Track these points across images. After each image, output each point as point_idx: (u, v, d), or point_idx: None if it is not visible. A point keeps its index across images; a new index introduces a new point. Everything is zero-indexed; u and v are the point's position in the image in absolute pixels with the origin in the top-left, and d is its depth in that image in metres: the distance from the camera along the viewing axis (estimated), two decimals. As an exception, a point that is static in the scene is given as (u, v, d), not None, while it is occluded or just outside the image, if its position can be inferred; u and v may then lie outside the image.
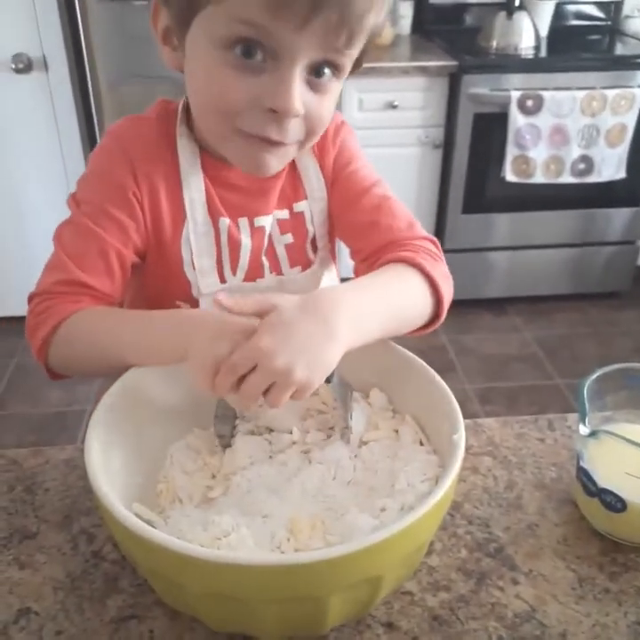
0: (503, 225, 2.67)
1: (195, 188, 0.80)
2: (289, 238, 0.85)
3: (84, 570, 0.68)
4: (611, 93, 2.38)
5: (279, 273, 0.86)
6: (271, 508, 0.63)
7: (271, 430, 0.73)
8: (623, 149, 2.49)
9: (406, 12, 2.79)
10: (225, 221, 0.81)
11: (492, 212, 2.64)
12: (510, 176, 2.48)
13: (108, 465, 0.61)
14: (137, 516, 0.56)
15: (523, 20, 2.52)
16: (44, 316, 0.74)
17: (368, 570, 0.54)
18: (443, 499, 0.56)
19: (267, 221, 0.84)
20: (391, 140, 2.50)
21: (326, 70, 0.68)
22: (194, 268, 0.81)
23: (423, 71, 2.42)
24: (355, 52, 0.69)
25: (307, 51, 0.64)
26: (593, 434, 0.68)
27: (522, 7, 2.54)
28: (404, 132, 2.52)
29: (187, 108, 0.79)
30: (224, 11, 0.63)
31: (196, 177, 0.80)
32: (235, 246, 0.82)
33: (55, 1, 2.18)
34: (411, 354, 0.73)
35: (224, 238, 0.82)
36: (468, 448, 0.83)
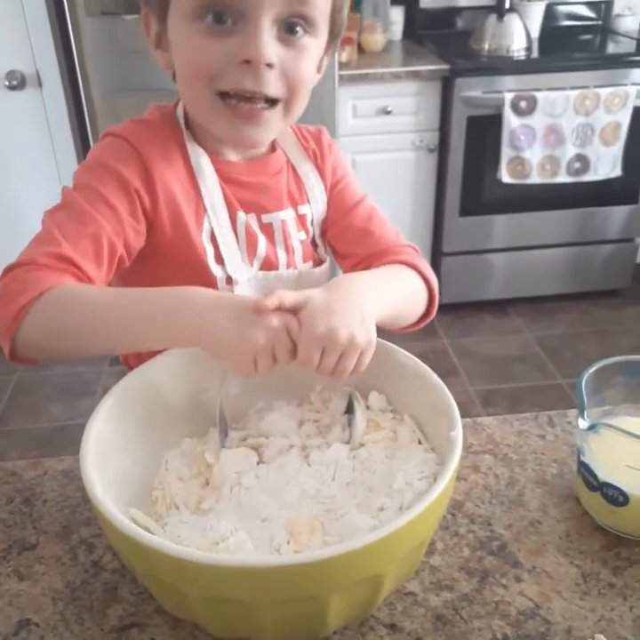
0: (501, 226, 2.67)
1: (211, 184, 0.82)
2: (303, 235, 0.90)
3: (83, 580, 0.68)
4: (604, 92, 2.38)
5: (294, 267, 0.89)
6: (270, 512, 0.63)
7: (257, 447, 0.72)
8: (618, 147, 2.49)
9: (397, 17, 2.80)
10: (241, 214, 0.85)
11: (489, 213, 2.64)
12: (506, 177, 2.48)
13: (103, 473, 0.60)
14: (134, 522, 0.55)
15: (514, 21, 2.53)
16: (26, 285, 0.68)
17: (367, 569, 0.53)
18: (441, 495, 0.55)
19: (274, 218, 0.87)
20: (386, 146, 2.51)
21: (298, 28, 0.74)
22: (217, 263, 0.83)
23: (416, 76, 2.42)
24: (322, 5, 0.74)
25: (270, 6, 0.70)
26: (592, 427, 0.67)
27: (512, 9, 2.54)
28: (398, 137, 2.52)
29: (184, 113, 0.83)
30: None
31: (211, 174, 0.82)
32: (252, 238, 0.85)
33: (47, 17, 2.19)
34: (407, 353, 0.73)
35: (241, 231, 0.85)
36: (468, 447, 0.83)
